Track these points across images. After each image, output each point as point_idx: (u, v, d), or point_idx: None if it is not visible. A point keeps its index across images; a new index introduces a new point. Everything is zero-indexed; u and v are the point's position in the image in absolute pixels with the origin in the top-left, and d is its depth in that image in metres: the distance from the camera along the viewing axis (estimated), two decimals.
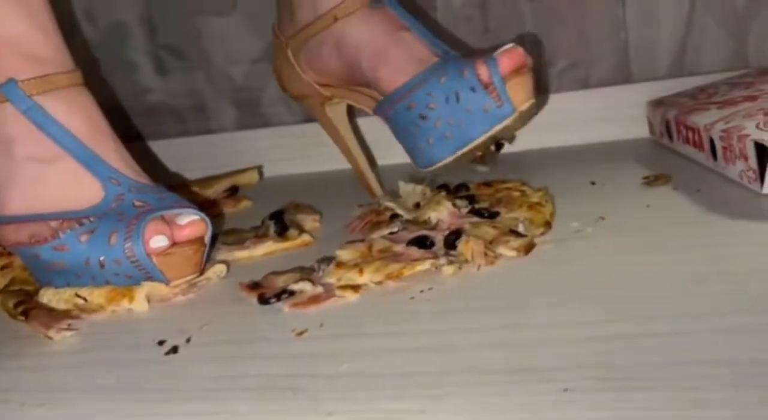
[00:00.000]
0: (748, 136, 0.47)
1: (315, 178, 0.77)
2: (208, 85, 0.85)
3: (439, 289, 0.38)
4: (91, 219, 0.41)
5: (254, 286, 0.40)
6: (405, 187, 0.51)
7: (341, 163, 0.79)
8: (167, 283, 0.41)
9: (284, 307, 0.37)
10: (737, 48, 0.73)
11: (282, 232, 0.49)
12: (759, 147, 0.45)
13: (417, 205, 0.49)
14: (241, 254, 0.47)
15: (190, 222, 0.41)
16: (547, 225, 0.46)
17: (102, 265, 0.40)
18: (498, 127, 0.48)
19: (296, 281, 0.38)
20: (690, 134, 0.58)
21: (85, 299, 0.40)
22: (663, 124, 0.65)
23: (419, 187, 0.50)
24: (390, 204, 0.49)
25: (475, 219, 0.47)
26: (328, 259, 0.41)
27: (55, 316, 0.38)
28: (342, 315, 0.36)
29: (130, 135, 0.87)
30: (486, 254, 0.40)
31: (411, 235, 0.43)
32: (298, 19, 0.56)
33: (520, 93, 0.47)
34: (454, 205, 0.48)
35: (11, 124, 0.43)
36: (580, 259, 0.40)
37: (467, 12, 0.77)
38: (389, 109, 0.52)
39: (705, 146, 0.55)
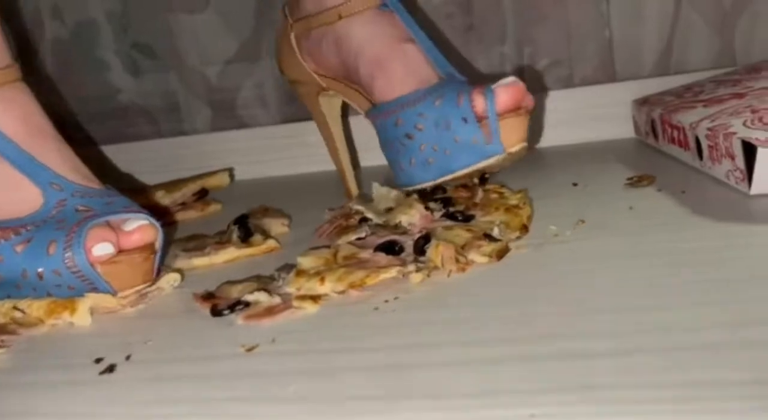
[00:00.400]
0: (734, 134, 0.45)
1: (291, 180, 0.75)
2: (181, 85, 0.82)
3: (405, 298, 0.35)
4: (29, 227, 0.38)
5: (208, 296, 0.37)
6: (378, 190, 0.49)
7: (319, 165, 0.77)
8: (114, 293, 0.38)
9: (237, 319, 0.34)
10: (724, 45, 0.71)
11: (246, 238, 0.47)
12: (746, 146, 0.43)
13: (390, 210, 0.47)
14: (200, 261, 0.44)
15: (138, 227, 0.38)
16: (524, 229, 0.43)
17: (41, 277, 0.37)
18: (483, 164, 0.46)
19: (252, 291, 0.35)
20: (675, 133, 0.56)
21: (23, 312, 0.37)
22: (648, 124, 0.63)
23: (393, 192, 0.48)
24: (359, 207, 0.46)
25: (449, 222, 0.44)
26: (288, 267, 0.38)
27: None
28: (298, 328, 0.33)
29: (101, 137, 0.85)
30: (457, 260, 0.38)
31: (379, 241, 0.40)
32: (304, 7, 0.55)
33: (512, 134, 0.45)
34: (427, 208, 0.45)
35: None
36: (556, 264, 0.37)
37: (448, 9, 0.74)
38: (377, 119, 0.50)
39: (690, 145, 0.52)
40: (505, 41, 0.75)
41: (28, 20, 0.82)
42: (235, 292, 0.36)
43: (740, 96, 0.53)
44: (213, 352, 0.31)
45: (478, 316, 0.32)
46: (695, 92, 0.60)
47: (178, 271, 0.43)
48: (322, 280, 0.36)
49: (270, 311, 0.34)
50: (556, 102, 0.73)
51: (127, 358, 0.32)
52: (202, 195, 0.64)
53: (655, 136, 0.61)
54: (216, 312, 0.35)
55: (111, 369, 0.30)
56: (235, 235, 0.47)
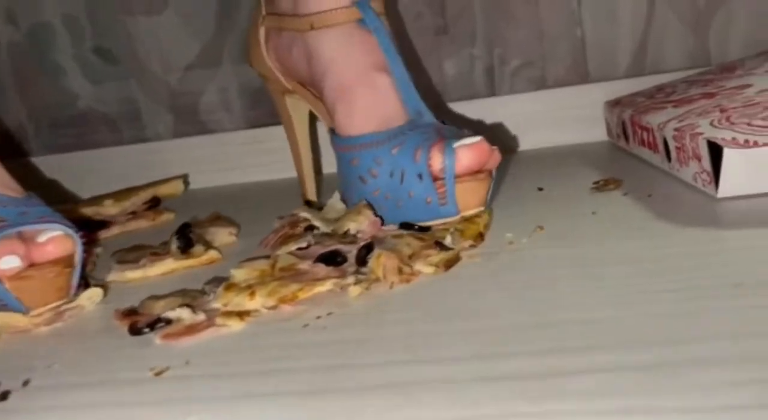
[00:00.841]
0: (701, 134, 0.42)
1: (254, 187, 0.72)
2: (141, 90, 0.79)
3: (339, 314, 0.32)
4: None
5: (129, 313, 0.34)
6: (333, 198, 0.46)
7: (284, 172, 0.75)
8: (25, 311, 0.35)
9: (156, 338, 0.32)
10: (699, 45, 0.68)
11: (186, 249, 0.44)
12: (713, 146, 0.41)
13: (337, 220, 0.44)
14: (133, 274, 0.41)
15: (52, 239, 0.35)
16: (480, 237, 0.41)
17: None
18: (436, 222, 0.42)
19: (175, 307, 0.32)
20: (645, 135, 0.53)
21: None
22: (619, 126, 0.61)
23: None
24: (306, 215, 0.43)
25: (401, 231, 0.42)
26: (220, 281, 0.36)
27: None
28: (217, 349, 0.30)
29: (59, 145, 0.82)
30: (400, 271, 0.35)
31: (322, 251, 0.37)
32: (278, 3, 0.50)
33: (470, 198, 0.42)
34: (377, 214, 0.42)
35: None
36: (506, 275, 0.34)
37: (417, 8, 0.72)
38: (335, 147, 0.47)
39: (659, 147, 0.50)
40: (475, 42, 0.72)
41: None
42: (158, 309, 0.33)
43: (711, 96, 0.50)
44: (119, 376, 0.28)
45: (412, 332, 0.29)
46: (667, 93, 0.58)
47: (104, 286, 0.40)
48: (253, 294, 0.33)
49: (191, 329, 0.31)
50: (527, 104, 0.70)
51: (25, 383, 0.29)
52: (155, 204, 0.61)
53: (626, 138, 0.59)
54: (134, 330, 0.32)
55: (4, 396, 0.27)
56: (174, 245, 0.44)
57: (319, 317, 0.32)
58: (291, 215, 0.47)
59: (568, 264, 0.35)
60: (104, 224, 0.56)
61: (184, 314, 0.32)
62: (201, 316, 0.32)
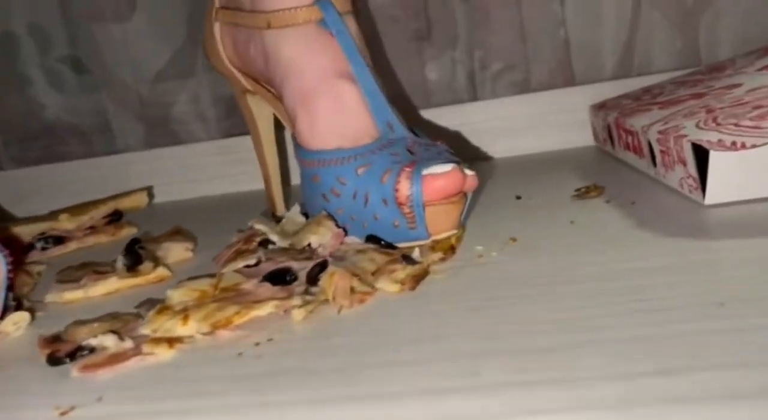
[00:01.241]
0: (685, 137, 0.39)
1: (225, 199, 0.69)
2: (110, 100, 0.76)
3: (279, 340, 0.29)
4: None
5: (53, 340, 0.31)
6: (292, 210, 0.43)
7: (258, 183, 0.71)
8: None
9: (74, 369, 0.28)
10: (688, 44, 0.65)
11: (133, 266, 0.41)
12: (698, 149, 0.37)
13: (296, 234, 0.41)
14: (72, 295, 0.38)
15: None
16: (451, 250, 0.38)
17: None
18: (405, 246, 0.38)
19: (99, 334, 0.29)
20: (629, 139, 0.50)
21: None
22: (605, 129, 0.58)
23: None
24: (260, 227, 0.40)
25: (367, 245, 0.38)
26: (154, 303, 0.32)
27: None
28: (136, 382, 0.27)
29: (27, 157, 0.79)
30: (352, 290, 0.32)
31: (272, 268, 0.34)
32: None
33: (441, 222, 0.38)
34: (339, 225, 0.39)
35: None
36: (468, 293, 0.31)
37: (395, 11, 0.69)
38: (297, 159, 0.43)
39: (644, 151, 0.47)
40: (456, 45, 0.69)
41: None
42: (82, 335, 0.30)
43: (699, 96, 0.47)
44: (20, 415, 0.25)
45: (356, 363, 0.26)
46: (654, 94, 0.55)
47: (32, 309, 0.37)
48: (186, 318, 0.29)
49: (114, 359, 0.28)
50: (510, 108, 0.67)
51: None
52: (116, 218, 0.57)
53: (612, 142, 0.56)
54: (53, 360, 0.29)
55: None
56: (120, 263, 0.41)
57: (257, 344, 0.29)
58: (249, 228, 0.44)
59: (537, 280, 0.31)
60: (60, 240, 0.53)
61: (108, 342, 0.29)
62: (128, 344, 0.29)
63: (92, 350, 0.29)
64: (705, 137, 0.37)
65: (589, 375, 0.22)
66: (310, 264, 0.35)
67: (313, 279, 0.33)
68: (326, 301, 0.32)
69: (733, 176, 0.37)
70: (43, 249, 0.52)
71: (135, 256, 0.41)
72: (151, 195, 0.61)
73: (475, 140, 0.68)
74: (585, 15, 0.66)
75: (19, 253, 0.48)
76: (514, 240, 0.38)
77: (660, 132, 0.42)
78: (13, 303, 0.36)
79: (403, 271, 0.34)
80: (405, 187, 0.37)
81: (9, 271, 0.35)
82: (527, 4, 0.67)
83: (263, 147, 0.54)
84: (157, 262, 0.41)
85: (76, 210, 0.55)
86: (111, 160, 0.76)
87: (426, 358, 0.25)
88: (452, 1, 0.68)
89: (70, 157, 0.78)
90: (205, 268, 0.41)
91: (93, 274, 0.40)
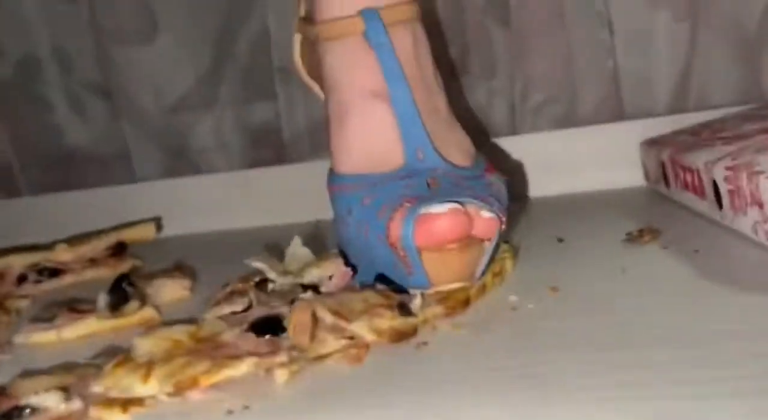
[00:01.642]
0: (761, 173, 0.33)
1: (241, 234, 0.65)
2: (130, 126, 0.73)
3: (256, 409, 0.23)
4: None
5: None
6: (292, 244, 0.38)
7: (277, 218, 0.67)
8: None
9: None
10: (750, 77, 0.59)
11: (118, 305, 0.36)
12: None
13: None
14: (43, 337, 0.33)
15: None
16: (464, 304, 0.32)
17: None
18: (413, 290, 0.33)
19: (43, 390, 0.24)
20: (688, 177, 0.44)
21: None
22: (659, 168, 0.52)
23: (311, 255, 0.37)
24: (259, 264, 0.35)
25: (375, 288, 0.33)
26: (117, 352, 0.27)
27: None
28: None
29: (45, 184, 0.76)
30: (313, 334, 0.26)
31: (260, 314, 0.29)
32: (304, 7, 0.44)
33: (441, 271, 0.33)
34: (348, 263, 0.34)
35: None
36: (492, 354, 0.25)
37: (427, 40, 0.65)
38: (329, 184, 0.40)
39: (706, 191, 0.41)
40: (494, 75, 0.64)
41: None
42: (26, 390, 0.25)
43: None
44: None
45: None
46: (714, 130, 0.49)
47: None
48: (148, 375, 0.24)
49: None
50: (551, 145, 0.62)
51: None
52: (119, 250, 0.53)
53: (666, 182, 0.50)
54: None
55: None
56: (102, 301, 0.36)
57: (230, 412, 0.23)
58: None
59: (579, 343, 0.25)
60: (55, 272, 0.49)
61: (50, 401, 0.24)
62: (75, 404, 0.24)
63: (33, 411, 0.24)
64: None
65: None
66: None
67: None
68: (319, 358, 0.26)
69: None
70: (37, 282, 0.48)
71: (121, 293, 0.36)
72: (159, 226, 0.57)
73: (511, 177, 0.63)
74: (636, 44, 0.61)
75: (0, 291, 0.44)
76: (555, 290, 0.32)
77: (728, 168, 0.37)
78: None
79: (388, 320, 0.29)
80: (396, 227, 0.32)
81: None
82: (572, 32, 0.62)
83: None
84: (144, 301, 0.36)
85: (76, 240, 0.51)
86: (128, 190, 0.73)
87: None
88: (489, 25, 0.63)
89: (88, 184, 0.75)
90: (201, 311, 0.37)
91: (69, 312, 0.35)
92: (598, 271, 0.34)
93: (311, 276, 0.33)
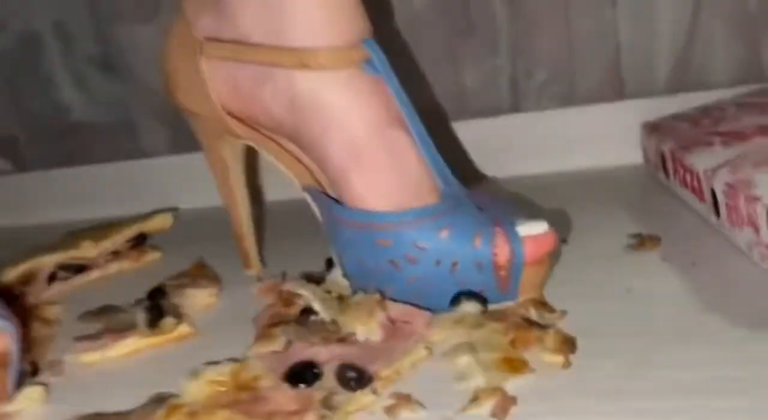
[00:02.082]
0: (759, 200, 0.35)
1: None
2: (135, 102, 0.73)
3: None
4: None
5: None
6: (333, 273, 0.39)
7: (285, 193, 0.68)
8: None
9: None
10: (750, 56, 0.60)
11: (155, 321, 0.38)
12: None
13: (342, 298, 0.37)
14: (91, 357, 0.36)
15: None
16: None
17: None
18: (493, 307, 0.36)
19: None
20: (688, 177, 0.46)
21: None
22: (658, 156, 0.54)
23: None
24: (303, 292, 0.37)
25: (461, 310, 0.35)
26: (160, 400, 0.29)
27: None
28: None
29: (51, 158, 0.77)
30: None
31: (296, 359, 0.31)
32: (238, 25, 0.38)
33: (532, 284, 0.36)
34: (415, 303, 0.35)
35: None
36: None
37: (430, 15, 0.65)
38: (340, 221, 0.37)
39: (706, 197, 0.43)
40: (497, 52, 0.65)
41: None
42: None
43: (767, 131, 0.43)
44: None
45: None
46: (714, 119, 0.51)
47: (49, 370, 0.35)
48: None
49: None
50: (553, 122, 0.63)
51: None
52: (140, 241, 0.55)
53: (666, 172, 0.52)
54: None
55: None
56: (141, 318, 0.38)
57: None
58: (273, 278, 0.42)
59: (595, 389, 0.28)
60: (81, 268, 0.51)
61: None
62: None
63: None
64: None
65: None
66: (347, 351, 0.32)
67: (345, 380, 0.30)
68: (353, 412, 0.28)
69: None
70: (65, 278, 0.50)
71: (157, 310, 0.39)
72: (175, 216, 0.59)
73: (515, 155, 0.64)
74: (639, 22, 0.62)
75: (34, 293, 0.47)
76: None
77: (728, 184, 0.39)
78: (28, 368, 0.34)
79: (552, 337, 0.31)
80: (505, 252, 0.34)
81: (19, 341, 0.33)
82: (576, 10, 0.62)
83: (235, 193, 0.47)
84: (180, 316, 0.39)
85: (98, 235, 0.53)
86: (135, 164, 0.74)
87: None
88: (494, 5, 0.63)
89: (94, 159, 0.76)
90: (229, 318, 0.39)
91: (111, 334, 0.37)
92: (605, 291, 0.36)
93: (354, 328, 0.34)
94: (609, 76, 0.63)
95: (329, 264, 0.41)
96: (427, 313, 0.35)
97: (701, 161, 0.43)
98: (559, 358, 0.30)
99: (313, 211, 0.41)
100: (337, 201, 0.38)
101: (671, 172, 0.50)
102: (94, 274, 0.52)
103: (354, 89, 0.36)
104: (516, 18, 0.64)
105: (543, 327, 0.33)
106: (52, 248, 0.51)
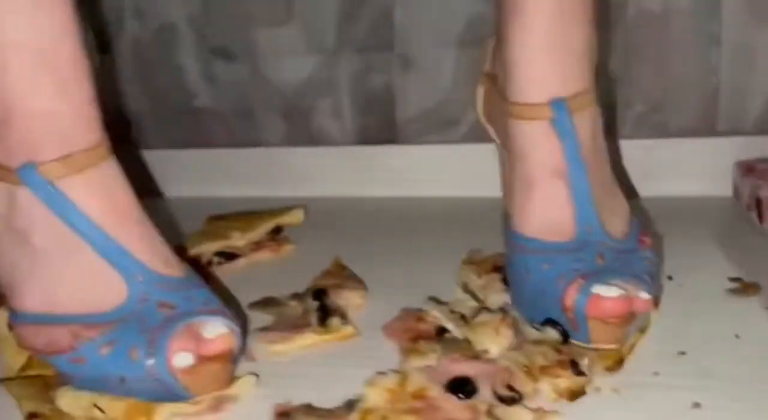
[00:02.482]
0: None
1: (366, 207, 0.73)
2: (257, 95, 0.80)
3: None
4: (113, 326, 0.37)
5: (284, 414, 0.36)
6: (458, 293, 0.47)
7: (393, 189, 0.75)
8: (190, 399, 0.37)
9: None
10: None
11: (324, 319, 0.45)
12: None
13: (464, 318, 0.44)
14: (279, 348, 0.43)
15: (219, 336, 0.37)
16: (619, 363, 0.39)
17: (123, 381, 0.36)
18: (577, 344, 0.41)
19: None
20: None
21: (102, 410, 0.36)
22: (752, 198, 0.59)
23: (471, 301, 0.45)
24: (435, 313, 0.43)
25: (544, 332, 0.41)
26: (351, 404, 0.36)
27: None
28: None
29: (173, 139, 0.84)
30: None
31: (451, 371, 0.37)
32: (498, 68, 0.50)
33: (600, 336, 0.40)
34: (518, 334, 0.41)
35: (27, 210, 0.39)
36: None
37: None
38: (510, 239, 0.46)
39: None
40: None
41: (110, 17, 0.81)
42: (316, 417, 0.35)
43: None
44: None
45: None
46: None
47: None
48: None
49: None
50: (646, 151, 0.69)
51: None
52: (276, 232, 0.63)
53: (760, 216, 0.57)
54: None
55: None
56: (313, 317, 0.45)
57: None
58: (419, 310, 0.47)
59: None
60: (231, 256, 0.59)
61: None
62: None
63: None
64: None
65: None
66: (486, 369, 0.37)
67: (502, 398, 0.36)
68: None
69: None
70: (218, 264, 0.58)
71: (325, 310, 0.46)
72: (306, 212, 0.66)
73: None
74: (741, 63, 0.66)
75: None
76: (684, 354, 0.40)
77: None
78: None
79: (566, 380, 0.37)
80: (571, 297, 0.40)
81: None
82: (680, 46, 0.67)
83: None
84: (344, 317, 0.46)
85: (244, 226, 0.60)
86: (252, 152, 0.81)
87: None
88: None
89: (212, 144, 0.83)
90: (379, 320, 0.46)
91: (292, 328, 0.44)
92: (714, 334, 0.41)
93: (484, 345, 0.40)
94: (705, 113, 0.68)
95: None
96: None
97: None
98: (552, 396, 0.36)
99: None
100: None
101: (766, 216, 0.55)
102: (241, 262, 0.59)
103: (532, 137, 0.44)
104: (620, 49, 0.68)
105: (578, 372, 0.37)
106: (206, 236, 0.59)
